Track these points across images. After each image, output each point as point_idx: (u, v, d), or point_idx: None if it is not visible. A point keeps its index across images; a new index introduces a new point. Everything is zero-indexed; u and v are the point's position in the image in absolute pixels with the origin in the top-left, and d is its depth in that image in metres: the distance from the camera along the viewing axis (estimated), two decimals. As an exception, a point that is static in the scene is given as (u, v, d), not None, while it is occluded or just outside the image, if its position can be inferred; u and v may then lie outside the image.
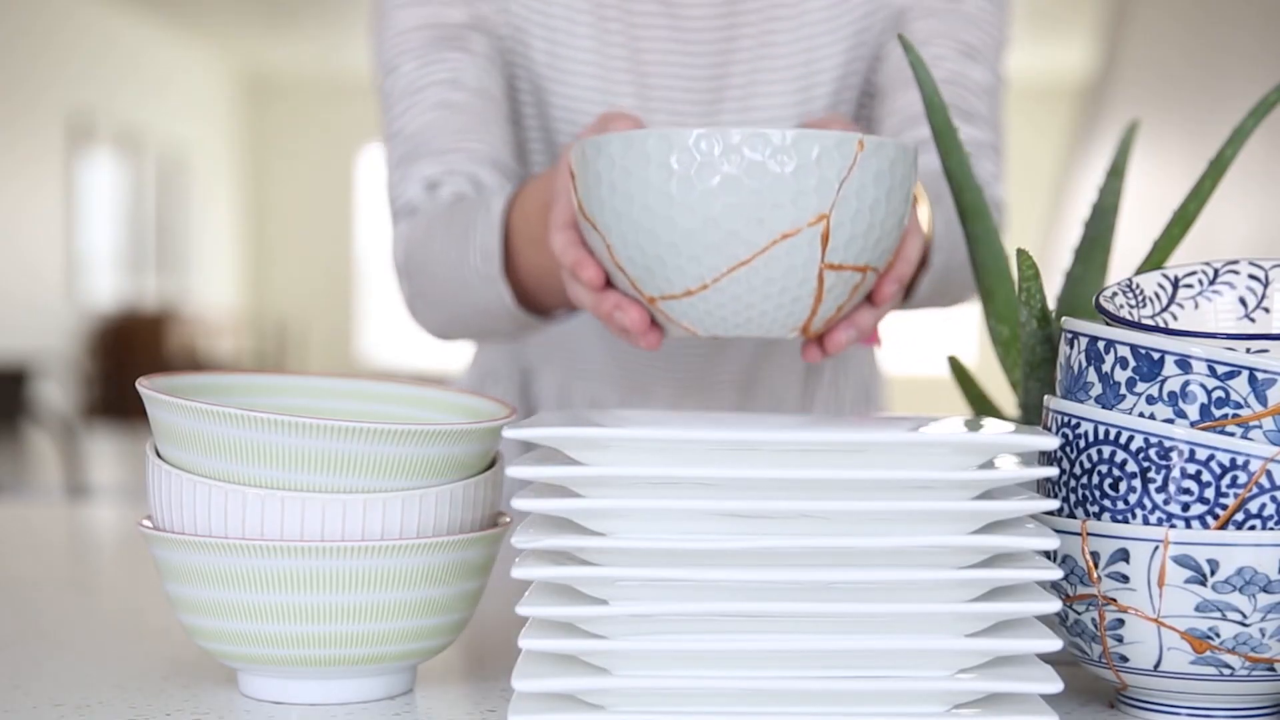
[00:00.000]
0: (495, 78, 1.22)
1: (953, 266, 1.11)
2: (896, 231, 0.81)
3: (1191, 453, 0.72)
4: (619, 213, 0.79)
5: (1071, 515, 0.76)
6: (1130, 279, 0.82)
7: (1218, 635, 0.72)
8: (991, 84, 1.24)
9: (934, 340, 10.10)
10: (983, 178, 1.19)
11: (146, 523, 0.81)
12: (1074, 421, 0.76)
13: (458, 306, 1.14)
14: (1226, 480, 0.72)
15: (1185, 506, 0.72)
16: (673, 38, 1.22)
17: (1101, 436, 0.74)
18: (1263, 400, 0.72)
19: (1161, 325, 0.81)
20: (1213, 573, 0.71)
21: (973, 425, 0.78)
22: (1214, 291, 0.83)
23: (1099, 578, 0.74)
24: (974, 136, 1.21)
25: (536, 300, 1.11)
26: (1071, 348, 0.77)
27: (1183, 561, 0.72)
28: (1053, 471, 0.71)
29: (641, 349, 0.97)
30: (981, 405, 0.98)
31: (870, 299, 0.82)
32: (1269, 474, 0.71)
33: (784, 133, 0.76)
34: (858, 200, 0.78)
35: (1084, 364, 0.76)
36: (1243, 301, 0.83)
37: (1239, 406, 0.72)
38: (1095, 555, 0.74)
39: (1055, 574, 0.70)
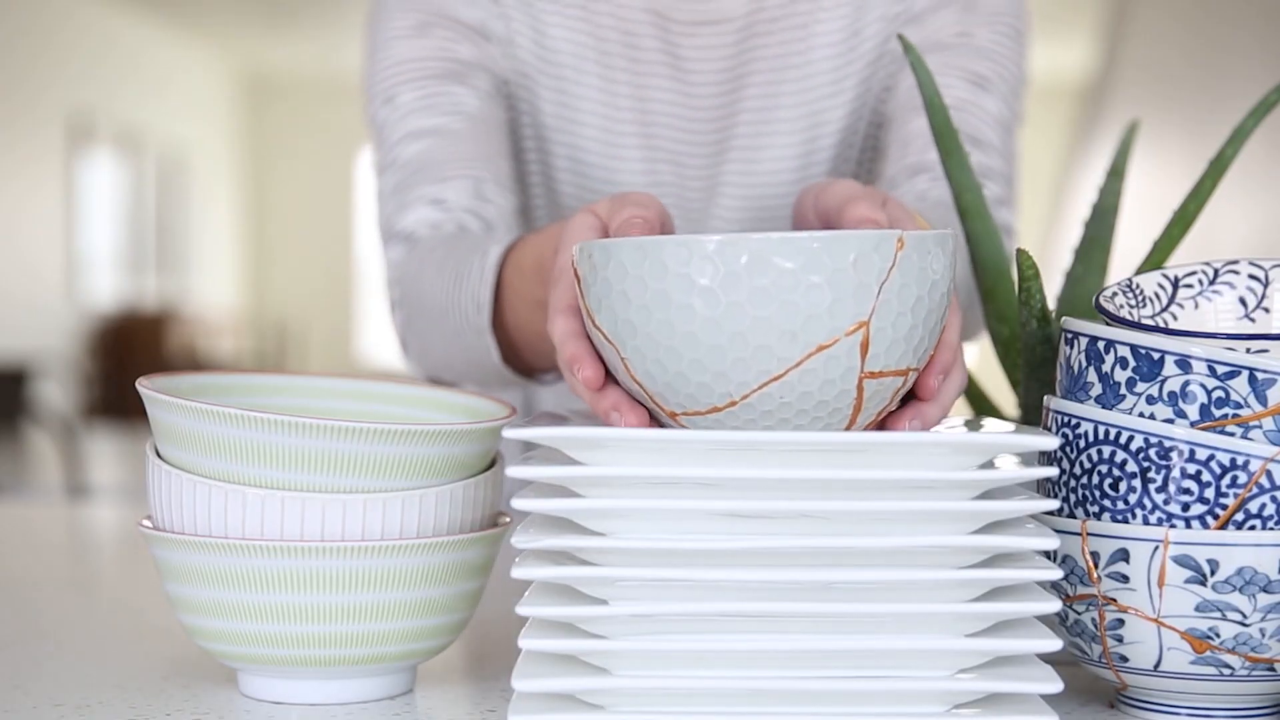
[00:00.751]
0: (498, 114, 1.19)
1: (973, 305, 1.10)
2: (939, 326, 0.74)
3: (1191, 453, 0.72)
4: (634, 326, 0.71)
5: (1071, 515, 0.76)
6: (1130, 279, 0.82)
7: (1218, 635, 0.72)
8: (1004, 116, 1.19)
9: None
10: (989, 200, 1.11)
11: (146, 523, 0.81)
12: (1074, 421, 0.76)
13: (451, 353, 1.11)
14: (1226, 480, 0.72)
15: (1185, 506, 0.72)
16: (679, 90, 1.21)
17: (1101, 436, 0.74)
18: (1263, 400, 0.72)
19: (1161, 325, 0.81)
20: (1213, 573, 0.71)
21: (973, 425, 0.78)
22: (1214, 291, 0.83)
23: (1099, 578, 0.74)
24: (981, 162, 1.16)
25: (524, 360, 1.07)
26: (1071, 348, 0.77)
27: (1183, 561, 0.72)
28: (1053, 471, 0.71)
29: None
30: (981, 405, 0.98)
31: (914, 393, 0.76)
32: (1269, 474, 0.71)
33: (815, 236, 0.69)
34: (899, 302, 0.70)
35: (1084, 364, 0.76)
36: (1243, 301, 0.83)
37: (1239, 406, 0.72)
38: (1095, 555, 0.74)
39: (1055, 574, 0.70)
